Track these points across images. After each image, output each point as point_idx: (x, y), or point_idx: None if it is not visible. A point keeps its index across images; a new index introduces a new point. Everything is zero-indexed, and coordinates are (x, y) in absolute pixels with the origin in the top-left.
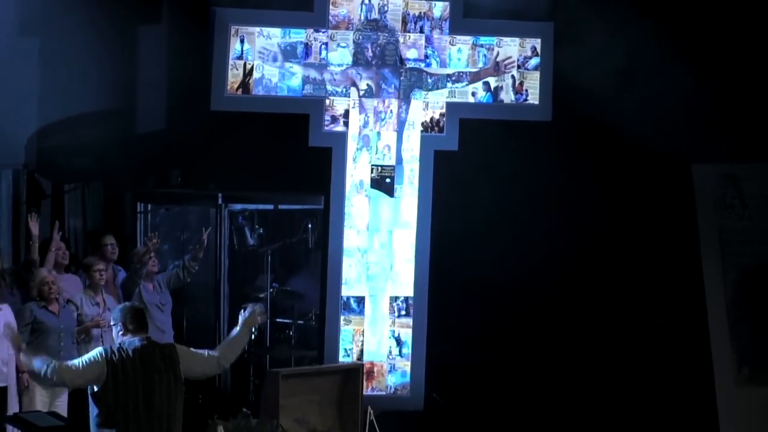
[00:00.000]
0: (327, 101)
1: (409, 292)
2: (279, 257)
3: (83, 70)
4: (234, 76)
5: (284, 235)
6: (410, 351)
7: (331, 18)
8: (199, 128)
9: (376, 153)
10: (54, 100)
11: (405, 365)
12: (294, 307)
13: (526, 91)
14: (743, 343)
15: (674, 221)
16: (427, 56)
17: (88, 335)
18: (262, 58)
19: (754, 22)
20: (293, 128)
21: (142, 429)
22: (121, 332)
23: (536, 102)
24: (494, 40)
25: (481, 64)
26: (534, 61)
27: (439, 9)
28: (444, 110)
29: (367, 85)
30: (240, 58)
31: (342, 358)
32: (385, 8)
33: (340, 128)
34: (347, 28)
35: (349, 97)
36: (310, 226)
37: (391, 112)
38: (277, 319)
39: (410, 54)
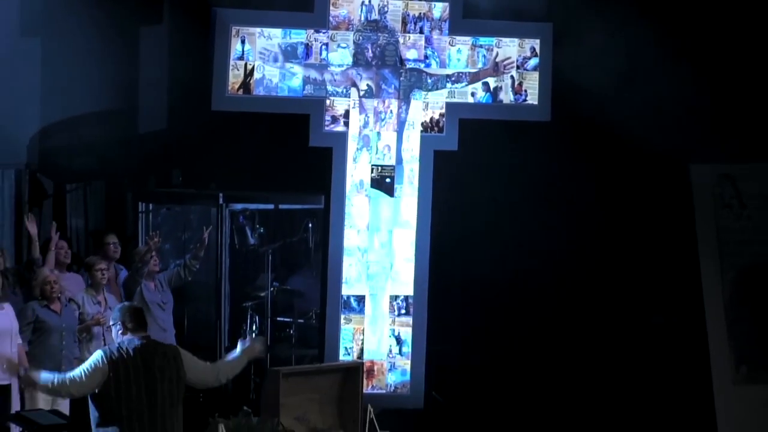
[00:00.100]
0: (327, 101)
1: (409, 291)
2: (280, 256)
3: (85, 70)
4: (235, 77)
5: (285, 235)
6: (410, 349)
7: (331, 19)
8: (200, 128)
9: (377, 153)
10: (56, 100)
11: (405, 364)
12: (294, 305)
13: (525, 91)
14: (741, 342)
15: (672, 221)
16: (426, 57)
17: (90, 333)
18: (262, 59)
19: (752, 23)
20: (294, 128)
21: (145, 427)
22: (120, 331)
23: (535, 102)
24: (493, 40)
25: (480, 65)
26: (533, 62)
27: (439, 10)
28: (444, 110)
29: (367, 85)
30: (241, 58)
31: (342, 357)
32: (385, 9)
33: (340, 128)
34: (347, 29)
35: (349, 97)
36: (310, 225)
37: (391, 112)
38: (278, 318)
39: (410, 54)
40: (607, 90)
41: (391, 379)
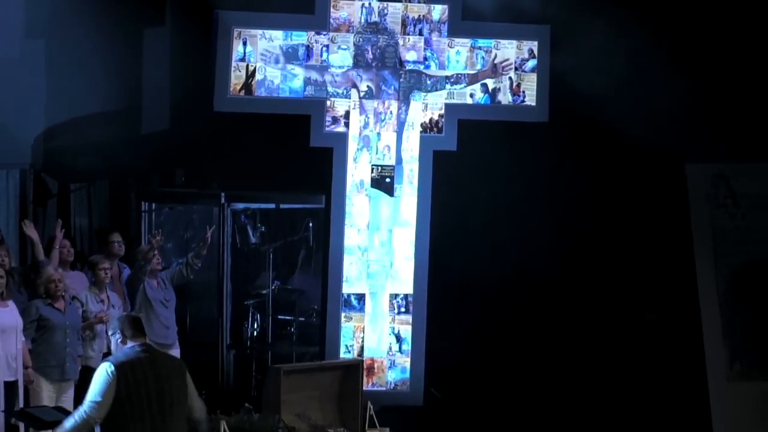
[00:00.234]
0: (328, 102)
1: (409, 289)
2: (281, 255)
3: (89, 71)
4: (237, 78)
5: (286, 234)
6: (410, 347)
7: (332, 21)
8: (202, 129)
9: (377, 153)
10: (60, 101)
11: (405, 361)
12: (295, 304)
13: (523, 92)
14: (735, 339)
15: (668, 220)
16: (426, 58)
17: (93, 331)
18: (264, 60)
19: (746, 25)
20: (295, 129)
21: (157, 425)
22: (120, 340)
23: (533, 103)
24: (492, 42)
25: (479, 66)
26: (531, 63)
27: (438, 12)
28: (443, 111)
29: (368, 86)
30: (243, 60)
31: (343, 355)
32: (385, 11)
33: (340, 129)
34: (348, 31)
35: (349, 98)
36: (311, 224)
37: (391, 113)
38: (279, 316)
39: (409, 56)
40: (604, 91)
41: (391, 376)
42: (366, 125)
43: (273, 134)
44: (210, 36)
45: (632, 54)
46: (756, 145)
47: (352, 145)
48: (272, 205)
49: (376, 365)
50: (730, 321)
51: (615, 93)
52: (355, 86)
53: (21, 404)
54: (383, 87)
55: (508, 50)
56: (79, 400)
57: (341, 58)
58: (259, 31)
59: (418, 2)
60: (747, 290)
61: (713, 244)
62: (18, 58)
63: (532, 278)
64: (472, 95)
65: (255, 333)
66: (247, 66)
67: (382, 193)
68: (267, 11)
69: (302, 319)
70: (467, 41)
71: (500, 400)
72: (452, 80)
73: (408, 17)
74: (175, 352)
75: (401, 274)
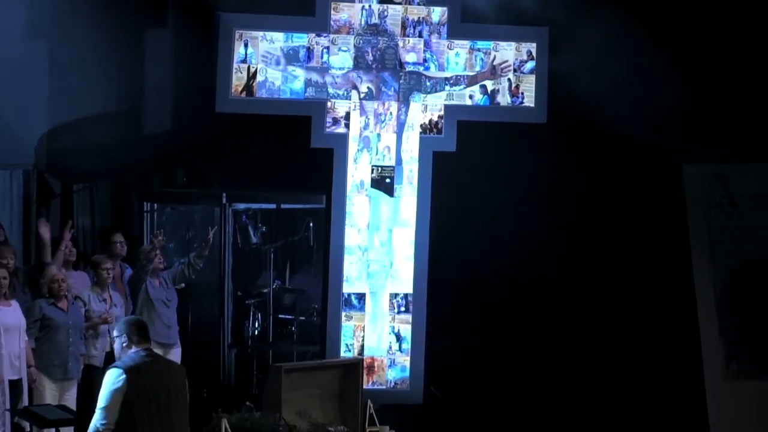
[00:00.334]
0: (328, 104)
1: (409, 289)
2: (281, 255)
3: (91, 73)
4: (238, 79)
5: (286, 234)
6: (409, 346)
7: (332, 23)
8: (204, 130)
9: (377, 154)
10: (63, 102)
11: (404, 360)
12: (296, 303)
13: (522, 94)
14: (732, 339)
15: (665, 220)
16: (425, 60)
17: (96, 331)
18: (265, 62)
19: (744, 27)
20: (296, 130)
21: (164, 428)
22: (125, 344)
23: (532, 104)
24: (491, 44)
25: (478, 68)
26: (529, 65)
27: (438, 14)
28: (442, 112)
29: (368, 88)
30: (244, 61)
31: (343, 354)
32: (385, 13)
33: (341, 130)
34: (348, 33)
35: (350, 99)
36: (311, 224)
37: (391, 114)
38: (280, 315)
39: (409, 58)
40: (602, 93)
41: (391, 375)
42: (366, 126)
43: (274, 135)
44: (211, 38)
45: (630, 55)
46: (753, 146)
47: (353, 146)
48: (273, 206)
49: (376, 364)
50: (726, 320)
51: (613, 94)
52: (355, 88)
53: (25, 403)
54: (383, 88)
55: (506, 52)
56: (81, 398)
57: (342, 59)
58: (260, 33)
59: (418, 4)
60: (744, 290)
61: (710, 244)
62: (21, 59)
63: (531, 278)
64: (471, 96)
65: (256, 332)
66: (249, 67)
67: (382, 194)
68: (268, 13)
69: (303, 318)
70: (466, 43)
71: (499, 399)
72: (451, 82)
73: (408, 19)
74: (177, 351)
75: (401, 273)
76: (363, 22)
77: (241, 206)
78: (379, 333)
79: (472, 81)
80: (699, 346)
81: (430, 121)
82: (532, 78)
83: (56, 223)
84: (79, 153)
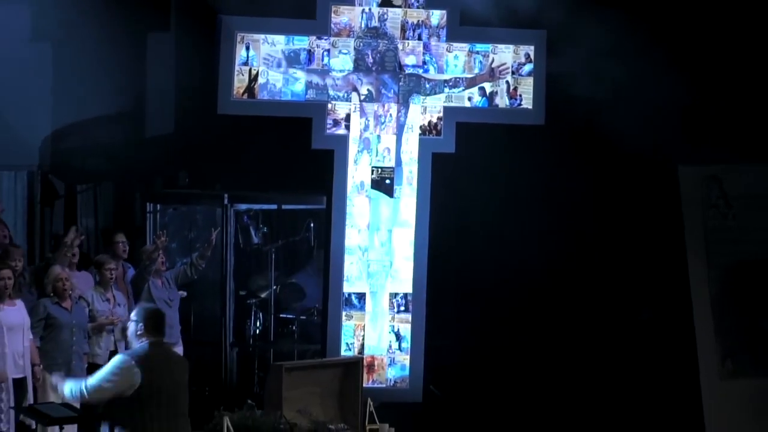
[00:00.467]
0: (329, 105)
1: (408, 288)
2: (282, 255)
3: (95, 75)
4: (240, 82)
5: (287, 234)
6: (409, 345)
7: (333, 26)
8: (206, 131)
9: (377, 155)
10: (67, 104)
11: (404, 359)
12: (297, 302)
13: (520, 96)
14: (727, 338)
15: (661, 220)
16: (425, 62)
17: (101, 332)
18: (266, 64)
19: (738, 29)
20: (297, 131)
21: (170, 418)
22: (140, 332)
23: (530, 106)
24: (489, 47)
25: (476, 70)
26: (527, 68)
27: (437, 17)
28: (441, 114)
29: (368, 90)
30: (246, 64)
31: (343, 352)
32: (385, 16)
33: (341, 131)
34: (348, 36)
35: (350, 101)
36: (312, 225)
37: (391, 116)
38: (281, 315)
39: (409, 60)
40: (599, 95)
41: (391, 373)
42: (366, 128)
43: (275, 136)
44: (213, 40)
45: (626, 58)
46: (748, 147)
47: (353, 148)
48: (274, 206)
49: (376, 363)
50: (722, 319)
51: (609, 96)
52: (355, 90)
53: (30, 401)
54: (383, 90)
55: (505, 54)
56: None
57: (342, 62)
58: (262, 36)
59: (418, 8)
60: (739, 289)
61: (706, 244)
62: (25, 61)
63: (529, 277)
64: (470, 98)
65: (257, 331)
66: (250, 70)
67: (382, 194)
68: (269, 16)
69: (303, 317)
70: (465, 46)
71: (497, 397)
72: (450, 84)
73: (407, 22)
74: (179, 350)
75: (401, 273)
76: (363, 25)
77: (243, 207)
78: (379, 332)
79: (470, 83)
80: (694, 344)
81: (430, 122)
82: (530, 80)
83: (60, 224)
84: (83, 154)
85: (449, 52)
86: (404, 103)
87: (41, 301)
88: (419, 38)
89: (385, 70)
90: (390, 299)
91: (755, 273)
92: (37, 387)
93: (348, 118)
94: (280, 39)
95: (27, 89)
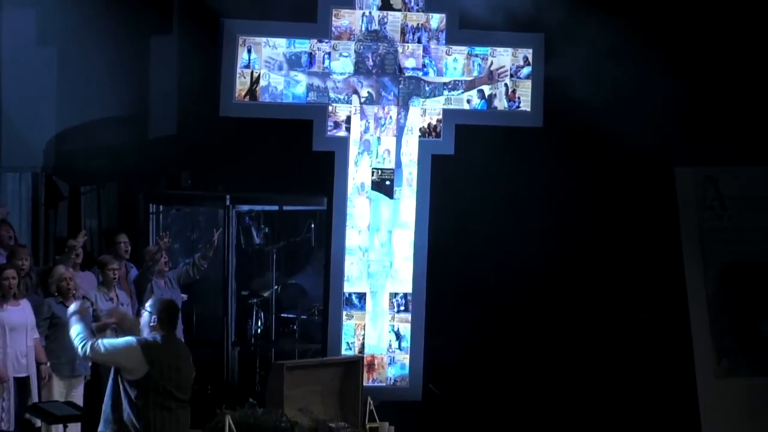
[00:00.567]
0: (330, 108)
1: (408, 288)
2: (284, 255)
3: (99, 78)
4: (241, 84)
5: (289, 235)
6: (409, 344)
7: (333, 29)
8: (208, 133)
9: (377, 157)
10: (71, 106)
11: (404, 358)
12: (298, 302)
13: (519, 98)
14: (722, 337)
15: (658, 221)
16: (424, 65)
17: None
18: (268, 67)
19: (735, 31)
20: (298, 133)
21: (179, 402)
22: (153, 324)
23: (528, 109)
24: (488, 50)
25: (475, 73)
26: (526, 70)
27: (436, 21)
28: (441, 116)
29: (368, 92)
30: (247, 66)
31: (344, 351)
32: (385, 20)
33: (342, 133)
34: (349, 39)
35: (350, 104)
36: (313, 226)
37: (391, 118)
38: (282, 314)
39: (409, 63)
40: (597, 97)
41: (391, 372)
42: (366, 130)
43: (276, 138)
44: (216, 43)
45: (623, 61)
46: (743, 149)
47: (353, 149)
48: (276, 207)
49: (376, 362)
50: (717, 319)
51: (607, 99)
52: (356, 92)
53: (35, 399)
54: (383, 93)
55: (503, 57)
56: (88, 396)
57: (342, 65)
58: (264, 39)
59: (417, 11)
60: (734, 289)
61: (701, 244)
62: (30, 64)
63: (527, 277)
64: (469, 101)
65: (259, 330)
66: (252, 72)
67: (382, 196)
68: (271, 20)
69: (305, 317)
70: (464, 49)
71: (496, 395)
72: (450, 86)
73: (407, 26)
74: None
75: (401, 273)
76: (363, 29)
77: (245, 208)
78: (379, 331)
79: (469, 86)
80: (690, 344)
81: (429, 124)
82: (529, 83)
83: (64, 225)
84: (87, 156)
85: (448, 55)
86: (404, 106)
87: (46, 300)
88: (419, 41)
89: (385, 73)
90: (390, 299)
91: (750, 273)
92: (41, 385)
93: (348, 120)
94: (281, 42)
95: (32, 91)
